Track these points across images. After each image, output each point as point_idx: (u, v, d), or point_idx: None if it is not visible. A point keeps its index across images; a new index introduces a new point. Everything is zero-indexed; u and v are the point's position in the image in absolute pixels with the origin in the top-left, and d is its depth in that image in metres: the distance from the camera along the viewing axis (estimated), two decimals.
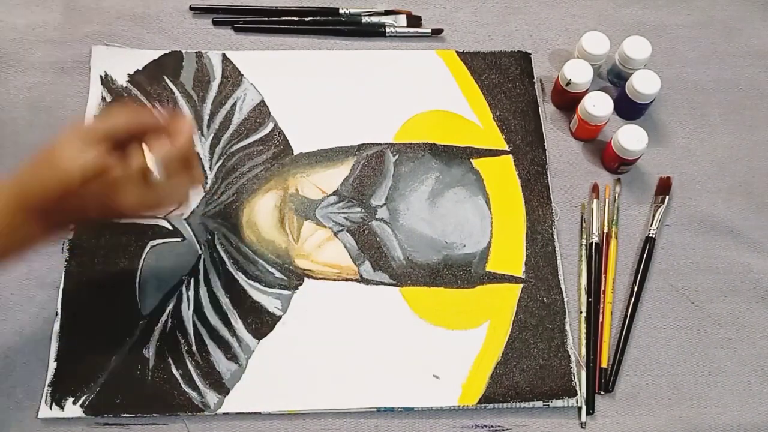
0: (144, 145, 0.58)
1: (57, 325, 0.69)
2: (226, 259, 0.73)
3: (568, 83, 0.80)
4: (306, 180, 0.77)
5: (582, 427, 0.69)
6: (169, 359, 0.68)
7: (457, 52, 0.85)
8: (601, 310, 0.74)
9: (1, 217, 0.56)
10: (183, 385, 0.67)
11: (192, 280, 0.72)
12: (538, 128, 0.81)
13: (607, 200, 0.79)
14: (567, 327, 0.72)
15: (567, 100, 0.82)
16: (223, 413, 0.67)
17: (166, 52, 0.82)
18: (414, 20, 0.87)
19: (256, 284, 0.72)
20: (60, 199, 0.56)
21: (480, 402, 0.69)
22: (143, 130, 0.59)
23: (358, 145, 0.79)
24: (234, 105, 0.80)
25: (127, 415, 0.66)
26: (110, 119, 0.59)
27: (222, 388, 0.68)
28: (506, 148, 0.80)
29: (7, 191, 0.56)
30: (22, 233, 0.57)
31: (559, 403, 0.69)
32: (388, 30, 0.86)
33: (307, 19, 0.86)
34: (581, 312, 0.73)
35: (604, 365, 0.71)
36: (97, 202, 0.57)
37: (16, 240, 0.57)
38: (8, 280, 0.71)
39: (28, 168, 0.58)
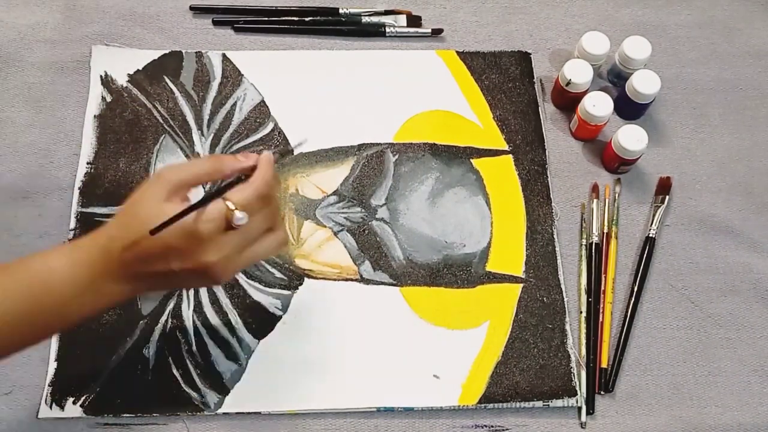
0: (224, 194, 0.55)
1: None
2: None
3: (568, 83, 0.80)
4: (306, 180, 0.77)
5: (582, 427, 0.69)
6: (169, 359, 0.68)
7: (457, 52, 0.85)
8: (601, 310, 0.74)
9: (85, 275, 0.53)
10: (183, 385, 0.67)
11: None
12: (538, 128, 0.81)
13: (607, 200, 0.79)
14: (567, 327, 0.72)
15: (567, 100, 0.82)
16: (223, 413, 0.67)
17: (167, 52, 0.82)
18: (414, 20, 0.87)
19: (256, 284, 0.72)
20: (144, 255, 0.53)
21: (480, 402, 0.69)
22: (223, 176, 0.57)
23: (359, 145, 0.79)
24: (234, 105, 0.80)
25: (127, 415, 0.66)
26: (194, 167, 0.57)
27: (222, 388, 0.67)
28: (506, 148, 0.80)
29: (93, 247, 0.54)
30: (106, 292, 0.54)
31: (559, 403, 0.69)
32: (388, 30, 0.86)
33: (307, 19, 0.86)
34: (581, 312, 0.73)
35: (604, 365, 0.71)
36: (182, 259, 0.54)
37: (98, 299, 0.54)
38: None
39: (114, 222, 0.55)
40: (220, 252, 0.54)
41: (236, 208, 0.53)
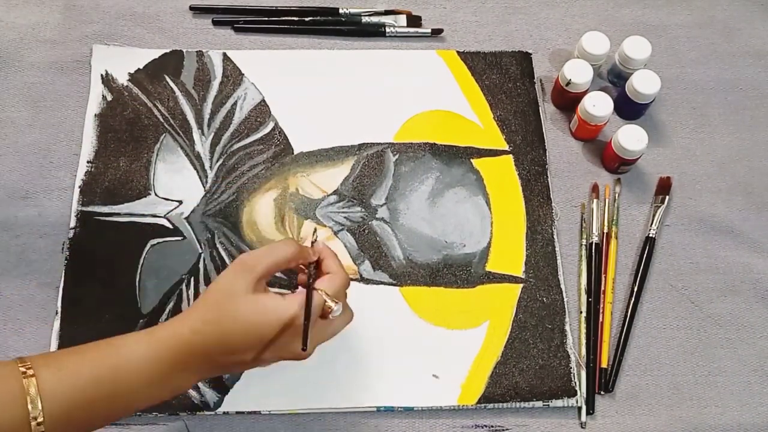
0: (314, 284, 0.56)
1: (57, 325, 0.69)
2: (226, 258, 0.73)
3: (568, 83, 0.80)
4: (306, 179, 0.77)
5: (582, 427, 0.69)
6: None
7: (457, 52, 0.85)
8: (601, 310, 0.74)
9: (162, 370, 0.52)
10: None
11: (192, 279, 0.72)
12: (539, 128, 0.81)
13: (607, 200, 0.79)
14: (567, 327, 0.72)
15: (567, 100, 0.82)
16: (223, 413, 0.67)
17: (167, 51, 0.82)
18: (414, 20, 0.87)
19: None
20: (236, 348, 0.53)
21: (479, 402, 0.69)
22: (303, 264, 0.58)
23: (359, 144, 0.79)
24: (234, 104, 0.80)
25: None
26: (274, 255, 0.56)
27: (221, 388, 0.67)
28: (506, 148, 0.80)
29: (173, 341, 0.52)
30: (177, 384, 0.53)
31: (558, 403, 0.69)
32: (388, 30, 0.86)
33: (307, 19, 0.86)
34: (581, 312, 0.73)
35: (604, 365, 0.71)
36: (278, 350, 0.54)
37: (168, 391, 0.53)
38: (8, 280, 0.71)
39: (197, 315, 0.53)
40: (314, 342, 0.55)
41: (331, 299, 0.55)
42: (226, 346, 0.53)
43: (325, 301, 0.56)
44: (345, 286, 0.59)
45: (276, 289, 0.54)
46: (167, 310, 0.70)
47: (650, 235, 0.77)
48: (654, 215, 0.78)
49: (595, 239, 0.76)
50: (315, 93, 0.81)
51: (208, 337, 0.53)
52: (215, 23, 0.85)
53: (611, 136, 0.79)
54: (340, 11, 0.86)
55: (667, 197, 0.79)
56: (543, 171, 0.79)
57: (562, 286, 0.74)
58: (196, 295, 0.71)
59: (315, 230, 0.66)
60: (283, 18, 0.86)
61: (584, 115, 0.79)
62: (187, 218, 0.74)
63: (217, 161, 0.77)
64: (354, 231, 0.75)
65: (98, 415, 0.51)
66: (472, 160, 0.79)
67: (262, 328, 0.53)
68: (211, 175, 0.76)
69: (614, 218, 0.78)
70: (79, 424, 0.51)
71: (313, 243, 0.61)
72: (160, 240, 0.73)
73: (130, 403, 0.52)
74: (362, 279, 0.73)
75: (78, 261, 0.71)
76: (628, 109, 0.82)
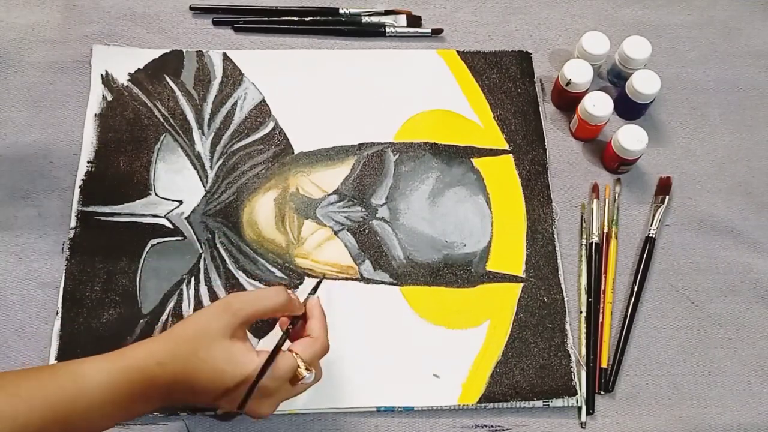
0: (290, 346, 0.56)
1: (57, 325, 0.69)
2: (226, 258, 0.73)
3: (568, 83, 0.80)
4: (306, 179, 0.77)
5: (582, 427, 0.69)
6: None
7: (457, 51, 0.85)
8: (601, 310, 0.74)
9: (121, 399, 0.51)
10: None
11: (192, 279, 0.72)
12: (539, 128, 0.81)
13: (607, 200, 0.79)
14: (567, 327, 0.72)
15: (567, 100, 0.82)
16: (223, 413, 0.66)
17: (167, 51, 0.82)
18: (414, 20, 0.87)
19: (257, 283, 0.72)
20: (197, 390, 0.52)
21: (480, 401, 0.69)
22: (288, 316, 0.57)
23: (359, 144, 0.79)
24: (235, 104, 0.80)
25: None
26: (261, 303, 0.56)
27: None
28: (507, 147, 0.80)
29: (135, 372, 0.51)
30: (137, 410, 0.53)
31: (559, 402, 0.69)
32: (388, 30, 0.86)
33: (307, 19, 0.86)
34: (581, 312, 0.73)
35: (604, 365, 0.71)
36: (236, 403, 0.53)
37: (126, 415, 0.53)
38: (8, 280, 0.71)
39: (165, 347, 0.52)
40: (274, 404, 0.54)
41: (305, 367, 0.54)
42: (189, 386, 0.52)
43: (298, 367, 0.54)
44: (322, 354, 0.57)
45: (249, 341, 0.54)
46: (168, 310, 0.70)
47: (650, 235, 0.77)
48: (654, 215, 0.78)
49: (595, 239, 0.76)
50: (315, 93, 0.82)
51: (172, 375, 0.52)
52: (215, 23, 0.85)
53: (611, 136, 0.79)
54: (340, 11, 0.86)
55: (667, 197, 0.79)
56: (543, 170, 0.79)
57: (563, 286, 0.74)
58: (197, 295, 0.71)
59: (320, 281, 0.64)
60: (283, 18, 0.86)
61: (584, 115, 0.79)
62: (187, 218, 0.74)
63: (218, 161, 0.77)
64: (354, 231, 0.75)
65: None
66: (472, 160, 0.79)
67: (226, 378, 0.52)
68: (211, 175, 0.76)
69: (614, 218, 0.78)
70: None
71: (310, 294, 0.60)
72: (161, 240, 0.73)
73: (84, 430, 0.51)
74: (363, 279, 0.73)
75: (78, 261, 0.71)
76: (628, 109, 0.82)
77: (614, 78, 0.85)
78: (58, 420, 0.50)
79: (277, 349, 0.54)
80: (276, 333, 0.69)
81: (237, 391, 0.53)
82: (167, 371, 0.51)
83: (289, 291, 0.59)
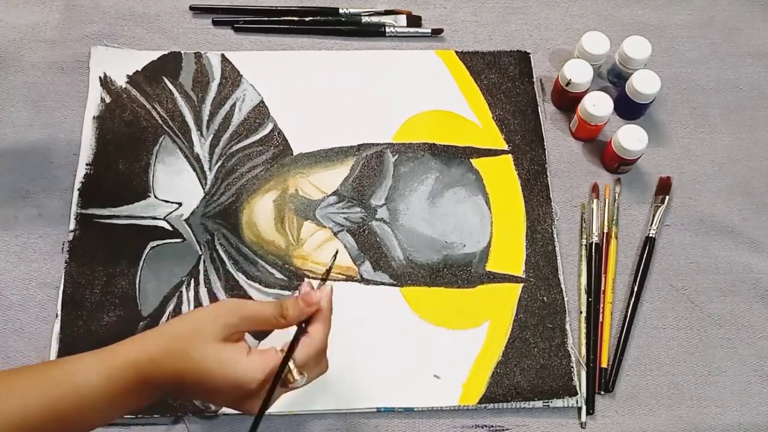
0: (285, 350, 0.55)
1: (57, 325, 0.69)
2: (226, 260, 0.73)
3: (568, 83, 0.80)
4: (306, 180, 0.77)
5: (582, 427, 0.69)
6: None
7: (456, 52, 0.85)
8: (601, 310, 0.74)
9: (115, 394, 0.51)
10: None
11: (192, 281, 0.72)
12: (538, 128, 0.81)
13: (607, 200, 0.79)
14: (567, 327, 0.72)
15: (567, 100, 0.82)
16: (224, 414, 0.66)
17: (165, 53, 0.82)
18: (414, 20, 0.87)
19: (256, 285, 0.72)
20: (188, 388, 0.52)
21: (480, 402, 0.69)
22: (285, 327, 0.56)
23: (358, 145, 0.79)
24: (233, 106, 0.80)
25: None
26: (257, 312, 0.55)
27: None
28: (506, 147, 0.80)
29: (128, 368, 0.51)
30: (130, 404, 0.53)
31: (559, 402, 0.69)
32: (388, 30, 0.85)
33: (307, 19, 0.86)
34: (581, 312, 0.73)
35: (604, 365, 0.71)
36: (228, 401, 0.53)
37: (119, 411, 0.53)
38: (8, 280, 0.71)
39: (158, 344, 0.52)
40: (259, 402, 0.53)
41: (297, 370, 0.53)
42: (180, 384, 0.52)
43: (290, 371, 0.54)
44: (319, 356, 0.56)
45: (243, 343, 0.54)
46: (167, 312, 0.70)
47: (650, 235, 0.77)
48: (654, 215, 0.78)
49: (595, 239, 0.76)
50: (314, 93, 0.81)
51: (164, 372, 0.52)
52: (215, 23, 0.85)
53: (611, 136, 0.79)
54: (340, 11, 0.86)
55: (667, 197, 0.79)
56: (542, 170, 0.79)
57: (562, 286, 0.74)
58: (196, 297, 0.71)
59: (336, 254, 0.63)
60: (283, 18, 0.86)
61: (584, 115, 0.79)
62: (186, 220, 0.74)
63: (217, 163, 0.77)
64: (354, 232, 0.75)
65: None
66: (471, 160, 0.79)
67: (216, 379, 0.52)
68: (210, 176, 0.76)
69: (614, 218, 0.78)
70: None
71: (320, 284, 0.59)
72: (160, 242, 0.73)
73: (79, 426, 0.52)
74: (362, 280, 0.73)
75: (78, 262, 0.71)
76: (628, 109, 0.82)
77: (614, 78, 0.85)
78: (53, 418, 0.50)
79: (287, 358, 0.54)
80: (276, 333, 0.69)
81: (228, 394, 0.53)
82: (160, 368, 0.52)
83: (295, 294, 0.58)
